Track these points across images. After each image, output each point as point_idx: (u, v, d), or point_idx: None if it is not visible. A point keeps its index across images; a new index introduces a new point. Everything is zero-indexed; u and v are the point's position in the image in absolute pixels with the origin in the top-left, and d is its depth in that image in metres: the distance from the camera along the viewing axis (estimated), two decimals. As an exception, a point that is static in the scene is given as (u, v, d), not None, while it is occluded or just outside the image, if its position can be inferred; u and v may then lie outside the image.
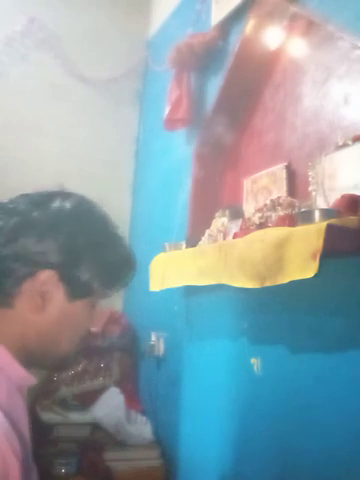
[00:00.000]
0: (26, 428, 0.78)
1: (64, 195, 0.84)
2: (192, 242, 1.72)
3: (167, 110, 2.01)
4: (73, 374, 2.27)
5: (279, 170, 1.56)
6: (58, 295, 0.78)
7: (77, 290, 0.79)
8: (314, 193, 1.34)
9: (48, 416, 2.06)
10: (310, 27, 1.51)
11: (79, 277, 0.78)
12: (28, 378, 0.79)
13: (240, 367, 1.55)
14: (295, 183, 1.51)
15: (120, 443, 2.00)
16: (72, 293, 0.79)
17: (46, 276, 0.76)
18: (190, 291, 1.85)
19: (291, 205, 1.34)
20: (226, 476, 1.57)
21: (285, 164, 1.54)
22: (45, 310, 0.77)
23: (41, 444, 1.96)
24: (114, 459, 1.89)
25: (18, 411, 0.75)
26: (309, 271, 1.01)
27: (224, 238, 1.56)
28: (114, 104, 2.76)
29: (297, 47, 1.59)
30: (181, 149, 2.13)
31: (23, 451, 0.69)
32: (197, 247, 1.65)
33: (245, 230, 1.41)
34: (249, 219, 1.45)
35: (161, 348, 2.08)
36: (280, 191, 1.53)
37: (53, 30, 2.61)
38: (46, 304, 0.77)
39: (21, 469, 0.66)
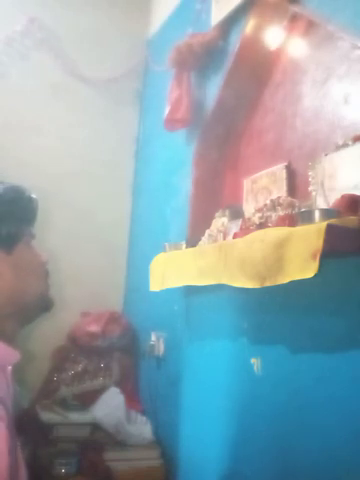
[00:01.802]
0: (10, 408, 0.77)
1: None
2: (192, 242, 1.72)
3: (167, 110, 2.00)
4: (73, 374, 2.28)
5: (279, 170, 1.56)
6: None
7: (6, 242, 0.85)
8: (314, 193, 1.34)
9: (48, 416, 2.06)
10: (310, 27, 1.51)
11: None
12: (10, 355, 0.81)
13: (240, 367, 1.55)
14: (295, 183, 1.51)
15: (120, 443, 2.00)
16: (5, 247, 0.85)
17: None
18: (190, 291, 1.85)
19: (291, 205, 1.34)
20: (226, 476, 1.57)
21: (285, 164, 1.54)
22: None
23: (41, 444, 1.96)
24: (114, 459, 1.89)
25: (1, 389, 0.76)
26: (309, 271, 1.01)
27: (224, 238, 1.57)
28: (114, 104, 2.75)
29: (297, 47, 1.59)
30: (181, 149, 2.13)
31: (8, 420, 0.70)
32: (197, 247, 1.65)
33: (245, 230, 1.41)
34: (249, 219, 1.45)
35: (161, 348, 2.08)
36: (280, 191, 1.53)
37: (53, 30, 2.61)
38: None
39: (8, 432, 0.67)
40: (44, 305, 0.91)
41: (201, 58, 1.97)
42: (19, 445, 0.79)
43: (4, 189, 0.88)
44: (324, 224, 1.01)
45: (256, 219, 1.41)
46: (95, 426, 2.04)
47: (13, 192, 0.90)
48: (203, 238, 1.69)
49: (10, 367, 0.83)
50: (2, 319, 0.82)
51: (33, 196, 0.93)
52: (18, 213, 0.89)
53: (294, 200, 1.37)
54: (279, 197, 1.40)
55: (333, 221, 1.04)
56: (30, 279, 0.88)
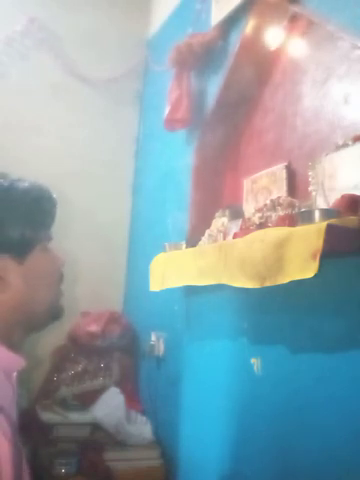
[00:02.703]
0: (13, 415, 0.77)
1: None
2: (192, 242, 1.72)
3: (167, 110, 2.00)
4: (73, 374, 2.27)
5: (279, 170, 1.56)
6: (9, 265, 0.79)
7: (19, 249, 0.80)
8: (314, 193, 1.34)
9: (48, 416, 2.06)
10: (310, 27, 1.51)
11: (12, 238, 0.79)
12: (15, 362, 0.80)
13: (240, 367, 1.55)
14: (295, 183, 1.51)
15: (120, 443, 2.00)
16: (18, 255, 0.80)
17: None
18: (190, 291, 1.85)
19: (291, 205, 1.35)
20: (226, 476, 1.57)
21: (285, 164, 1.54)
22: (8, 285, 0.79)
23: (41, 444, 1.96)
24: (114, 459, 1.89)
25: (5, 398, 0.75)
26: (309, 271, 1.01)
27: (224, 238, 1.57)
28: (114, 104, 2.75)
29: (297, 47, 1.59)
30: (181, 149, 2.13)
31: (12, 434, 0.69)
32: (197, 247, 1.65)
33: (245, 230, 1.41)
34: (249, 219, 1.45)
35: (161, 348, 2.08)
36: (280, 191, 1.53)
37: (53, 30, 2.61)
38: (5, 279, 0.79)
39: (11, 449, 0.66)
40: (54, 314, 0.88)
41: (201, 58, 1.97)
42: (24, 454, 0.78)
43: (27, 187, 0.83)
44: (324, 224, 1.01)
45: (256, 219, 1.41)
46: (95, 426, 2.04)
47: (38, 191, 0.85)
48: (203, 238, 1.69)
49: (15, 373, 0.82)
50: (10, 327, 0.80)
51: (55, 197, 0.88)
52: (38, 215, 0.84)
53: (294, 200, 1.37)
54: (279, 197, 1.40)
55: (333, 221, 1.04)
56: (41, 290, 0.84)
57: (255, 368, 1.47)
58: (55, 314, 0.88)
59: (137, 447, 1.98)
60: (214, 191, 1.89)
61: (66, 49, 2.63)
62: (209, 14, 1.96)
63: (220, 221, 1.65)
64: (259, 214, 1.41)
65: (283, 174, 1.54)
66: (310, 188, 1.36)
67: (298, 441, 1.27)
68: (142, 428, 2.06)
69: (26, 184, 0.84)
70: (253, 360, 1.48)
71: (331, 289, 1.22)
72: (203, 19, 2.05)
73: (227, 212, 1.66)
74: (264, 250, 1.15)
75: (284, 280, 1.10)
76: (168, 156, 2.33)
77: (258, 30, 1.70)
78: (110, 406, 2.09)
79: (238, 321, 1.60)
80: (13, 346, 0.80)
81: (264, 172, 1.64)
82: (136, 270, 2.52)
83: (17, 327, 0.82)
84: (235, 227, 1.52)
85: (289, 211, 1.32)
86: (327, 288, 1.22)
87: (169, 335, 2.05)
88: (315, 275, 1.00)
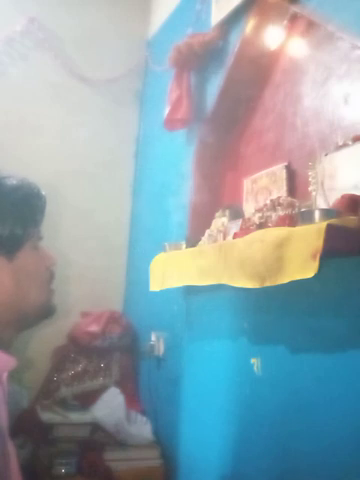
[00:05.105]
0: (4, 417, 0.75)
1: None
2: (192, 242, 1.72)
3: (167, 110, 2.00)
4: (73, 374, 2.28)
5: (279, 170, 1.56)
6: None
7: (8, 246, 0.80)
8: (314, 193, 1.34)
9: (48, 416, 2.06)
10: (310, 27, 1.51)
11: (1, 235, 0.79)
12: (6, 362, 0.78)
13: (240, 367, 1.55)
14: (295, 183, 1.51)
15: (120, 443, 2.00)
16: (7, 252, 0.79)
17: None
18: (190, 291, 1.85)
19: (291, 205, 1.35)
20: (226, 476, 1.57)
21: (285, 164, 1.54)
22: None
23: (41, 444, 1.96)
24: (114, 459, 1.89)
25: None
26: (309, 271, 1.01)
27: (224, 238, 1.57)
28: (114, 104, 2.75)
29: (297, 47, 1.60)
30: (181, 149, 2.13)
31: None
32: (197, 247, 1.65)
33: (245, 230, 1.41)
34: (249, 219, 1.45)
35: (161, 348, 2.08)
36: (280, 191, 1.53)
37: (53, 30, 2.61)
38: None
39: None
40: (45, 313, 0.86)
41: (201, 58, 1.97)
42: (14, 455, 0.76)
43: (15, 184, 0.82)
44: (324, 224, 1.01)
45: (256, 219, 1.41)
46: (95, 426, 2.04)
47: (26, 188, 0.83)
48: (203, 238, 1.69)
49: (6, 374, 0.79)
50: (0, 327, 0.78)
51: (43, 193, 0.87)
52: (27, 212, 0.83)
53: (294, 200, 1.37)
54: (279, 197, 1.40)
55: (333, 221, 1.04)
56: (31, 288, 0.82)
57: (255, 368, 1.47)
58: (46, 313, 0.86)
59: (137, 447, 1.98)
60: (214, 191, 1.89)
61: (66, 49, 2.63)
62: (209, 14, 1.96)
63: (220, 221, 1.65)
64: (259, 214, 1.41)
65: (283, 174, 1.54)
66: (310, 188, 1.36)
67: (298, 441, 1.27)
68: (142, 428, 2.06)
69: (14, 181, 0.83)
70: (253, 360, 1.48)
71: (331, 289, 1.22)
72: (203, 19, 2.05)
73: (227, 212, 1.67)
74: (264, 250, 1.15)
75: (284, 280, 1.10)
76: (168, 156, 2.33)
77: (258, 30, 1.70)
78: (110, 406, 2.09)
79: (238, 321, 1.60)
80: (3, 346, 0.78)
81: (264, 172, 1.65)
82: (136, 270, 2.52)
83: (7, 326, 0.80)
84: (235, 227, 1.52)
85: (289, 211, 1.32)
86: (327, 288, 1.22)
87: (169, 335, 2.05)
88: (315, 275, 1.00)
